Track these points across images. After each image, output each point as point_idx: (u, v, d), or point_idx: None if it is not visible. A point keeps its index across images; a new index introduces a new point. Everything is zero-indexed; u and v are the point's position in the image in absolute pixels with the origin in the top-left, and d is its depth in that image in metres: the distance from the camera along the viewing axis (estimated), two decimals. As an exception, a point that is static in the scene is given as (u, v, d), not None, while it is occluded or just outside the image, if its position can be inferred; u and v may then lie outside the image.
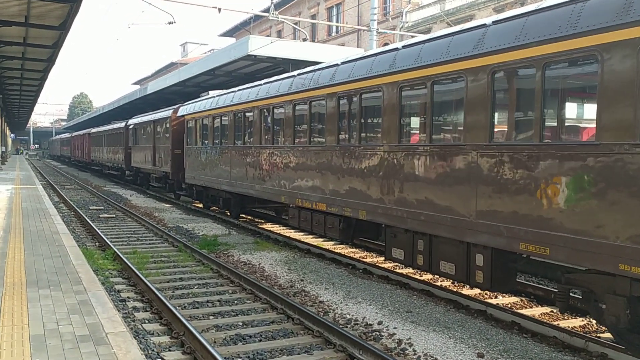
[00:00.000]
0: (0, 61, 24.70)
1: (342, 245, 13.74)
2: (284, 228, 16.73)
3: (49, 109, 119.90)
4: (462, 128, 7.83)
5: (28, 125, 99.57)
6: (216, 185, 17.53)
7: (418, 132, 9.10)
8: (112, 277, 9.87)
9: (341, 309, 8.03)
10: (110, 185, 33.23)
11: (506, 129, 7.42)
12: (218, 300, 8.59)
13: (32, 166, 53.28)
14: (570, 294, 7.49)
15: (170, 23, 18.04)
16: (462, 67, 7.81)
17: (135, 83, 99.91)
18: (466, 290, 9.32)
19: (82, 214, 18.20)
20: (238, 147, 15.57)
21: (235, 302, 8.59)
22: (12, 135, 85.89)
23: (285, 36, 51.27)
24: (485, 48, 7.47)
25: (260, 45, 21.56)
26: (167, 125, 23.18)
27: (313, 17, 50.92)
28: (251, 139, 14.80)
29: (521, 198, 6.75)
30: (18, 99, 44.28)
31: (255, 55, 22.95)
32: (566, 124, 6.81)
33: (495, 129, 7.46)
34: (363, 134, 10.08)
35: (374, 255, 12.59)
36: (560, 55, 6.35)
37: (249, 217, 18.61)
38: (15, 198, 17.02)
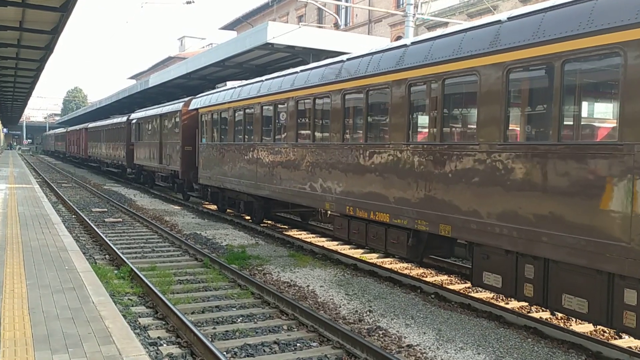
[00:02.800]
0: (-7, 48, 22.66)
1: (389, 259, 11.88)
2: (314, 236, 14.86)
3: (43, 104, 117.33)
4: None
5: (21, 119, 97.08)
6: (236, 187, 15.60)
7: (540, 125, 7.25)
8: (133, 306, 7.94)
9: (442, 359, 6.16)
10: (111, 184, 31.20)
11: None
12: (275, 343, 6.69)
13: (25, 162, 51.10)
14: None
15: (188, 2, 16.10)
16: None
17: (132, 77, 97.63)
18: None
19: (85, 217, 16.23)
20: (266, 145, 13.65)
21: (298, 344, 6.69)
22: (5, 129, 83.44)
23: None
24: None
25: (281, 33, 19.59)
26: (177, 120, 21.19)
27: (320, 9, 48.90)
28: (284, 135, 12.88)
29: None
30: (12, 91, 42.12)
31: (272, 44, 21.01)
32: None
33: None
34: (446, 130, 8.21)
35: (432, 272, 10.72)
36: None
37: (269, 221, 16.69)
38: (11, 200, 15.03)
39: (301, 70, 12.36)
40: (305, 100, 11.83)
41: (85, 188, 28.08)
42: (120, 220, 16.81)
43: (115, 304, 7.64)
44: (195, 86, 34.20)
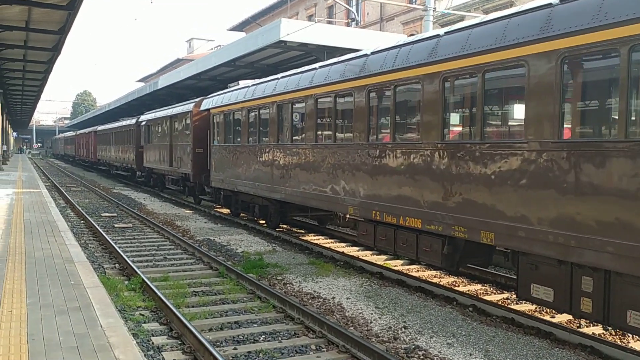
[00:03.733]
0: (0, 49, 22.18)
1: (415, 266, 11.15)
2: (333, 241, 14.17)
3: (52, 108, 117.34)
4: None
5: (31, 123, 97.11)
6: (251, 190, 14.92)
7: (603, 120, 6.49)
8: (145, 322, 7.27)
9: (495, 386, 5.42)
10: (120, 187, 30.65)
11: None
12: (305, 366, 5.99)
13: (35, 166, 50.78)
14: None
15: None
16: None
17: (140, 80, 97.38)
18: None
19: (94, 222, 15.61)
20: (283, 146, 12.96)
21: (329, 367, 5.98)
22: (15, 133, 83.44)
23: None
24: None
25: (294, 30, 18.90)
26: (188, 121, 20.56)
27: (330, 8, 48.22)
28: (302, 136, 12.18)
29: None
30: (20, 94, 41.85)
31: (285, 42, 20.33)
32: None
33: None
34: (488, 127, 7.47)
35: (464, 281, 9.97)
36: None
37: (284, 225, 15.98)
38: (17, 206, 14.43)
39: (320, 67, 11.66)
40: (326, 98, 11.12)
41: (95, 192, 27.54)
42: (130, 225, 16.18)
43: (126, 321, 6.99)
44: (205, 87, 33.58)
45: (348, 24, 44.72)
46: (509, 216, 6.78)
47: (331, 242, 14.05)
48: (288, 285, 9.57)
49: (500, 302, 8.60)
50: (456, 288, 9.41)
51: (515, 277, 9.57)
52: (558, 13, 6.30)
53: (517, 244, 6.74)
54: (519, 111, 6.95)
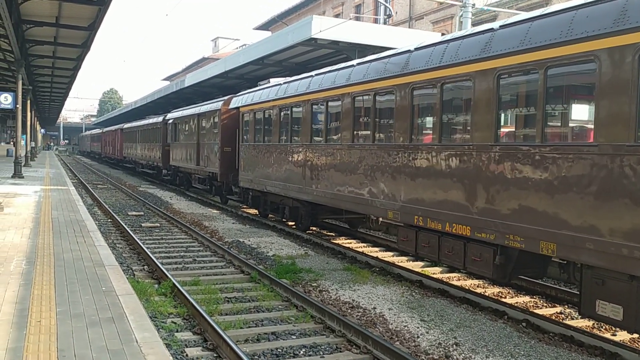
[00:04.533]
0: (30, 46, 22.17)
1: (455, 274, 10.59)
2: (365, 245, 13.67)
3: (79, 105, 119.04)
4: None
5: (58, 120, 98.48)
6: (281, 191, 14.49)
7: None
8: (178, 331, 6.86)
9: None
10: (146, 185, 30.55)
11: None
12: (352, 386, 5.49)
13: (62, 162, 51.24)
14: None
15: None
16: None
17: (165, 79, 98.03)
18: None
19: (121, 221, 15.35)
20: (316, 146, 12.49)
21: (379, 389, 5.48)
22: (42, 130, 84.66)
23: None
24: None
25: (325, 27, 18.43)
26: (216, 119, 20.24)
27: (357, 7, 47.68)
28: (337, 136, 11.69)
29: None
30: (49, 91, 42.24)
31: (316, 40, 19.88)
32: None
33: None
34: (550, 129, 6.89)
35: (510, 291, 9.38)
36: None
37: (314, 228, 15.50)
38: (44, 204, 14.22)
39: (358, 64, 11.16)
40: (364, 97, 10.62)
41: (121, 190, 27.45)
42: (158, 225, 15.89)
43: (159, 330, 6.58)
44: (231, 86, 33.34)
45: (376, 21, 44.03)
46: (575, 226, 6.20)
47: (364, 247, 13.55)
48: (324, 292, 9.09)
49: (554, 317, 8.02)
50: (504, 300, 8.84)
51: (567, 290, 9.05)
52: (634, 4, 5.70)
53: (583, 257, 6.16)
54: (587, 111, 6.37)
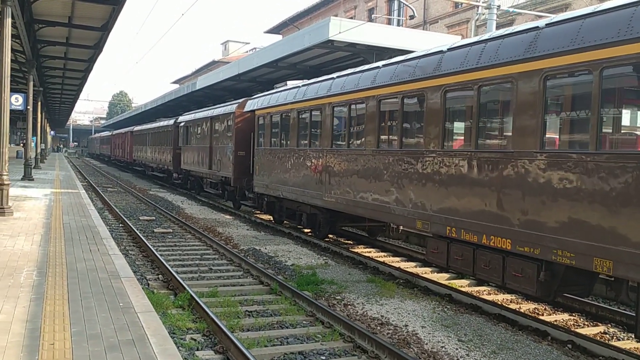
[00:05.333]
0: (41, 46, 21.84)
1: (484, 287, 10.05)
2: (385, 254, 13.17)
3: (89, 108, 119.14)
4: None
5: (68, 122, 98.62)
6: (299, 197, 13.99)
7: None
8: (199, 349, 6.36)
9: None
10: (156, 189, 30.16)
11: None
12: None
13: (71, 164, 51.03)
14: None
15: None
16: None
17: (175, 82, 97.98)
18: None
19: (133, 227, 14.91)
20: (338, 151, 12.00)
21: (424, 421, 4.95)
22: (52, 132, 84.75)
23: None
24: None
25: (345, 29, 17.96)
26: (230, 123, 19.79)
27: (370, 10, 47.23)
28: (361, 140, 11.20)
29: None
30: (59, 93, 42.02)
31: (333, 42, 19.41)
32: None
33: None
34: (605, 136, 6.35)
35: (547, 308, 8.81)
36: None
37: (331, 235, 14.98)
38: (55, 208, 13.79)
39: (384, 65, 10.66)
40: (391, 100, 10.12)
41: (131, 193, 27.05)
42: (170, 231, 15.43)
43: (178, 347, 6.08)
44: (243, 89, 32.93)
45: (389, 24, 43.43)
46: (635, 242, 5.65)
47: (384, 256, 13.04)
48: (349, 306, 8.57)
49: (597, 337, 7.47)
50: (542, 317, 8.28)
51: (608, 307, 8.48)
52: None
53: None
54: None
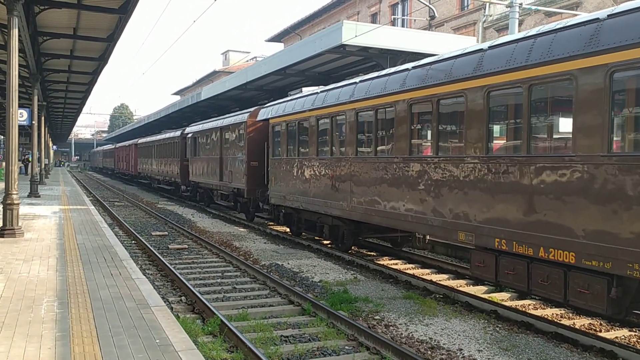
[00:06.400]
0: (45, 60, 21.29)
1: (528, 301, 9.37)
2: (414, 266, 12.55)
3: (90, 121, 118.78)
4: None
5: (69, 137, 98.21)
6: (321, 208, 13.36)
7: None
8: (240, 386, 5.71)
9: None
10: (164, 202, 29.53)
11: None
12: None
13: (75, 179, 50.44)
14: None
15: None
16: None
17: (176, 93, 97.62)
18: None
19: (147, 244, 14.28)
20: (364, 159, 11.38)
21: None
22: (54, 146, 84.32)
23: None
24: None
25: (361, 32, 17.39)
26: (241, 132, 19.19)
27: (373, 15, 46.77)
28: (390, 147, 10.58)
29: None
30: (62, 107, 41.51)
31: (345, 47, 18.85)
32: None
33: None
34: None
35: (603, 323, 8.15)
36: None
37: (352, 246, 14.33)
38: (67, 226, 13.17)
39: (414, 67, 10.06)
40: (423, 103, 9.50)
41: (139, 207, 26.43)
42: (186, 246, 14.79)
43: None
44: (249, 98, 32.36)
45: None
46: None
47: (413, 268, 12.40)
48: (392, 327, 7.92)
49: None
50: (600, 334, 7.62)
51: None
52: None
53: None
54: None
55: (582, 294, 6.66)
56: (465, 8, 37.41)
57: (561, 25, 7.09)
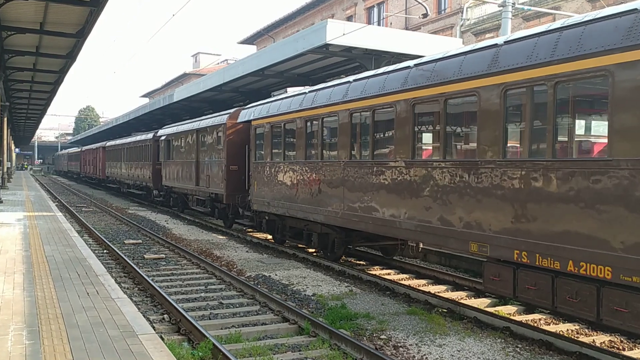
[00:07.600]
0: (9, 57, 19.97)
1: (539, 315, 8.79)
2: (408, 276, 11.95)
3: (54, 123, 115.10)
4: None
5: (33, 139, 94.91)
6: (310, 215, 12.57)
7: None
8: None
9: None
10: (135, 207, 28.25)
11: None
12: None
13: (39, 183, 48.35)
14: None
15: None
16: None
17: (144, 96, 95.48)
18: None
19: (120, 253, 13.25)
20: (360, 164, 10.65)
21: None
22: (17, 149, 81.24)
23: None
24: None
25: (346, 31, 16.70)
26: (220, 134, 18.26)
27: (349, 18, 46.25)
28: (390, 150, 9.88)
29: None
30: (26, 108, 39.68)
31: (328, 47, 18.13)
32: None
33: None
34: None
35: (623, 339, 7.60)
36: None
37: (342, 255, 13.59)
38: (33, 236, 12.05)
39: (416, 65, 9.38)
40: (430, 103, 8.83)
41: (109, 213, 25.15)
42: (163, 256, 13.80)
43: None
44: (224, 100, 31.32)
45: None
46: None
47: (407, 278, 11.76)
48: (402, 349, 7.19)
49: None
50: (625, 353, 7.05)
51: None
52: None
53: None
54: None
55: (620, 313, 6.04)
56: (443, 12, 37.21)
57: (592, 17, 6.49)
